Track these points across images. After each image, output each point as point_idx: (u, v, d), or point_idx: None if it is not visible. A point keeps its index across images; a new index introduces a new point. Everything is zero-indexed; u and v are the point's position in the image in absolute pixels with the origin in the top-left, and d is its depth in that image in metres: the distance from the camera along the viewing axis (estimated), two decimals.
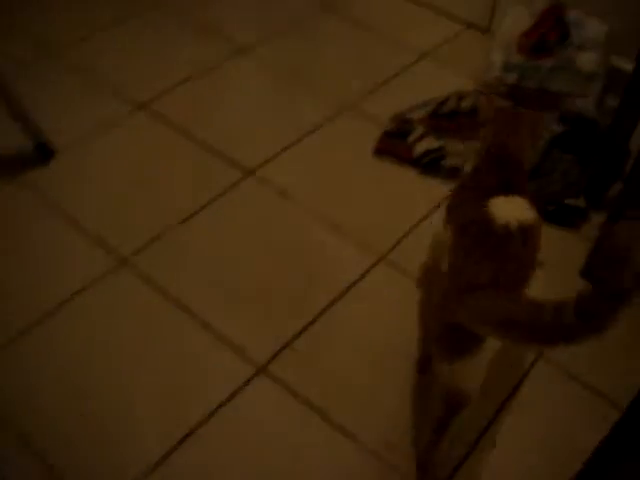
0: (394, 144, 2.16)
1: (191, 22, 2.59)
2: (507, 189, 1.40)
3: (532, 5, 2.36)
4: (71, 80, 2.32)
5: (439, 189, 2.05)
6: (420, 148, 2.12)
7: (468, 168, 1.56)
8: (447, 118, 2.23)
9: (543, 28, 2.27)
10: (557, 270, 1.90)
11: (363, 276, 1.82)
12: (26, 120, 2.00)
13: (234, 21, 2.61)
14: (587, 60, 2.23)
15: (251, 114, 2.25)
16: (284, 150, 2.13)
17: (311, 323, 1.70)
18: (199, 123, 2.19)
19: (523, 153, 1.51)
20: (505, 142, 1.48)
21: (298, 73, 2.41)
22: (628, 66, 1.92)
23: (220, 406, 1.54)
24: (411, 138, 2.15)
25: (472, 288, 1.25)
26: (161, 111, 2.22)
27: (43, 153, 2.04)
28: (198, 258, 1.83)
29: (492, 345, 1.27)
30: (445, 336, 1.29)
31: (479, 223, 1.33)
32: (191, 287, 1.76)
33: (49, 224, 1.88)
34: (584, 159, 2.10)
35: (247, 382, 1.58)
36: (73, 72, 2.35)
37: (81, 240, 1.84)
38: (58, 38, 2.47)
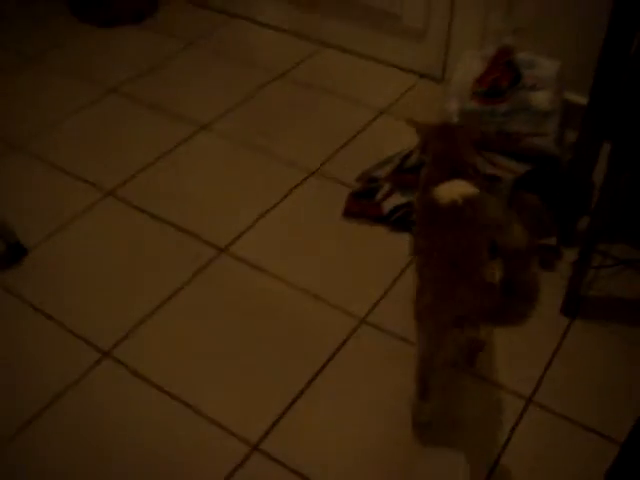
0: (362, 204, 2.17)
1: (146, 104, 2.62)
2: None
3: (482, 51, 2.40)
4: (35, 173, 2.33)
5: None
6: (388, 205, 2.14)
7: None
8: (412, 172, 2.25)
9: (495, 73, 2.30)
10: (535, 309, 1.92)
11: (344, 342, 1.82)
12: None
13: (189, 100, 2.64)
14: (541, 99, 2.27)
15: (217, 190, 2.27)
16: (255, 222, 2.14)
17: (298, 397, 1.70)
18: (166, 204, 2.21)
19: (463, 155, 1.79)
20: (447, 149, 1.77)
21: (259, 143, 2.43)
22: (583, 100, 1.95)
23: None
24: (379, 196, 2.17)
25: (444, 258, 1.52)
26: (127, 196, 2.23)
27: (15, 252, 2.05)
28: (178, 340, 1.83)
29: None
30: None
31: (429, 206, 1.67)
32: (174, 371, 1.75)
33: (25, 322, 1.87)
34: (550, 197, 2.12)
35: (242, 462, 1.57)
36: (36, 165, 2.36)
37: (60, 336, 1.83)
38: (16, 133, 2.49)
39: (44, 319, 1.88)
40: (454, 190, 1.64)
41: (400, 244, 2.07)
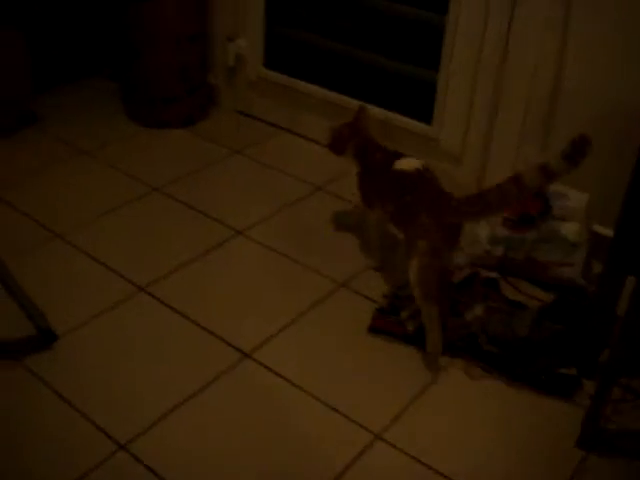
0: (388, 321, 2.21)
1: (186, 205, 2.72)
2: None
3: None
4: (73, 262, 2.42)
5: None
6: (413, 324, 2.17)
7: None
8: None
9: (525, 202, 2.37)
10: (551, 439, 1.91)
11: (357, 457, 1.83)
12: (29, 307, 2.09)
13: (228, 205, 2.74)
14: (570, 230, 2.32)
15: (247, 294, 2.33)
16: (281, 330, 2.19)
17: None
18: (196, 304, 2.26)
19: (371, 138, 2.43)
20: (362, 138, 2.42)
21: (292, 253, 2.50)
22: (610, 233, 1.99)
23: None
24: (403, 315, 2.21)
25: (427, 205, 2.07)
26: (159, 293, 2.30)
27: (46, 337, 2.10)
28: (195, 438, 1.85)
29: None
30: None
31: (398, 177, 2.22)
32: (190, 467, 1.77)
33: (47, 407, 1.91)
34: (574, 327, 2.14)
35: None
36: (75, 254, 2.45)
37: (80, 425, 1.87)
38: (60, 222, 2.59)
39: (67, 406, 1.91)
40: (411, 163, 2.23)
41: (422, 363, 2.10)
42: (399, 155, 2.30)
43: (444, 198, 2.08)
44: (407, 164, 2.23)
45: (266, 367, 2.06)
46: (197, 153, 3.07)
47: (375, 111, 2.86)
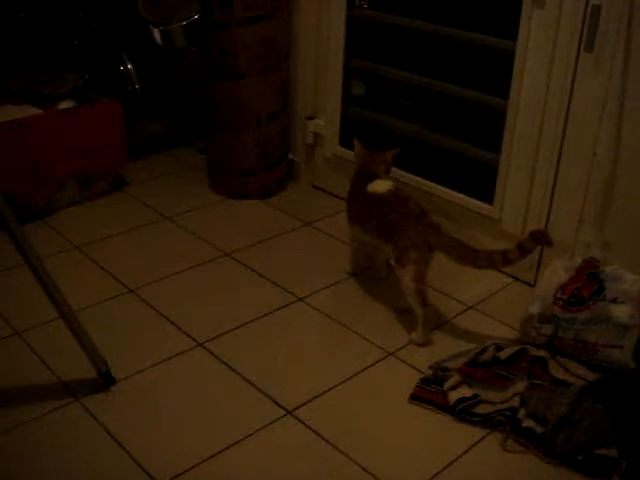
0: (429, 391, 2.25)
1: (253, 270, 2.86)
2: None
3: (571, 261, 2.50)
4: (139, 315, 2.58)
5: (471, 435, 2.12)
6: (454, 395, 2.20)
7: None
8: (483, 367, 2.32)
9: (578, 282, 2.39)
10: None
11: None
12: (92, 351, 2.22)
13: (293, 273, 2.86)
14: (622, 312, 2.31)
15: (299, 356, 2.42)
16: (325, 392, 2.26)
17: None
18: (250, 362, 2.36)
19: (377, 174, 2.69)
20: (366, 167, 2.72)
21: (346, 320, 2.58)
22: None
23: None
24: (446, 385, 2.24)
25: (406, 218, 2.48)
26: (216, 350, 2.41)
27: (105, 380, 2.24)
28: None
29: None
30: None
31: (368, 197, 2.60)
32: None
33: (98, 447, 2.03)
34: (615, 408, 2.13)
35: None
36: (142, 308, 2.61)
37: (128, 467, 1.97)
38: (135, 278, 2.76)
39: (117, 447, 2.03)
40: (382, 185, 2.60)
41: (460, 435, 2.12)
42: (372, 177, 2.65)
43: (426, 216, 2.50)
44: (379, 186, 2.60)
45: (305, 424, 2.13)
46: (270, 223, 3.21)
47: (438, 189, 2.97)
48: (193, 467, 1.98)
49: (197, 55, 3.38)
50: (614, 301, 2.34)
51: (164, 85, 3.73)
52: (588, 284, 2.38)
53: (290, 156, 3.53)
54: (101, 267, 2.83)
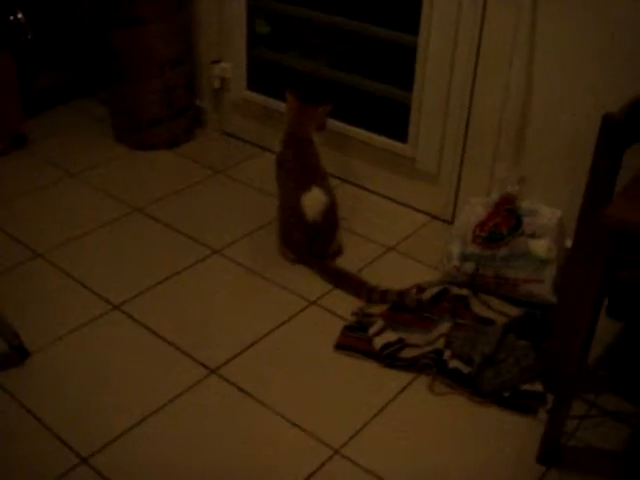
0: (354, 338, 2.22)
1: (166, 225, 2.76)
2: (301, 157, 2.57)
3: (487, 198, 2.49)
4: (49, 280, 2.46)
5: (398, 380, 2.11)
6: (379, 341, 2.18)
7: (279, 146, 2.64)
8: (406, 311, 2.31)
9: (496, 219, 2.39)
10: (514, 455, 1.91)
11: (317, 471, 1.84)
12: (1, 324, 2.12)
13: (207, 225, 2.78)
14: (540, 246, 2.33)
15: (218, 313, 2.36)
16: (250, 346, 2.21)
17: None
18: (168, 322, 2.29)
19: (308, 132, 2.59)
20: (296, 127, 2.61)
21: (266, 272, 2.53)
22: None
23: None
24: (371, 331, 2.22)
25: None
26: (133, 311, 2.33)
27: (18, 354, 2.14)
28: (159, 457, 1.87)
29: None
30: None
31: (298, 215, 2.50)
32: None
33: (15, 422, 1.95)
34: (539, 343, 2.15)
35: None
36: (52, 273, 2.49)
37: (45, 439, 1.90)
38: (41, 242, 2.64)
39: (33, 420, 1.95)
40: (315, 201, 2.51)
41: (387, 380, 2.11)
42: (303, 156, 2.59)
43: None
44: (311, 201, 2.52)
45: (231, 383, 2.09)
46: (180, 174, 3.11)
47: (353, 130, 2.91)
48: (118, 437, 1.91)
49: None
50: (532, 236, 2.35)
51: (59, 34, 3.52)
52: (506, 220, 2.37)
53: (197, 102, 3.40)
54: (4, 231, 2.68)
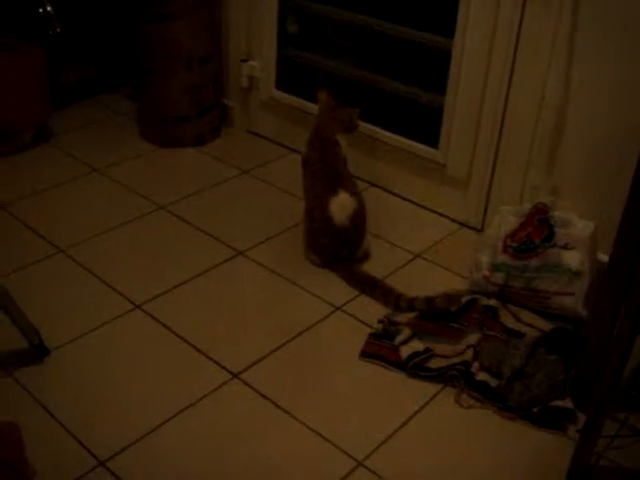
0: (380, 347, 2.18)
1: (190, 224, 2.72)
2: (327, 159, 2.52)
3: (519, 207, 2.44)
4: (71, 277, 2.43)
5: (424, 391, 2.06)
6: (406, 350, 2.13)
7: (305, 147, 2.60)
8: (433, 320, 2.26)
9: (528, 229, 2.33)
10: (542, 473, 1.86)
11: None
12: (22, 322, 2.09)
13: (232, 225, 2.74)
14: (572, 258, 2.27)
15: (242, 316, 2.32)
16: (272, 352, 2.17)
17: None
18: (189, 323, 2.25)
19: (335, 134, 2.54)
20: (322, 127, 2.57)
21: (290, 275, 2.48)
22: None
23: None
24: (397, 340, 2.17)
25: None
26: (155, 312, 2.29)
27: (38, 352, 2.11)
28: (179, 461, 1.83)
29: None
30: None
31: (326, 220, 2.46)
32: None
33: (33, 421, 1.91)
34: (570, 358, 2.09)
35: None
36: (75, 269, 2.46)
37: (63, 439, 1.87)
38: (64, 237, 2.60)
39: (51, 419, 1.92)
40: (343, 207, 2.47)
41: (413, 391, 2.06)
42: (328, 159, 2.54)
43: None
44: (339, 206, 2.48)
45: (252, 387, 2.04)
46: (205, 172, 3.07)
47: (382, 133, 2.87)
48: (137, 440, 1.87)
49: None
50: (565, 247, 2.29)
51: (88, 28, 3.50)
52: (538, 230, 2.32)
53: (224, 101, 3.36)
54: (28, 227, 2.66)
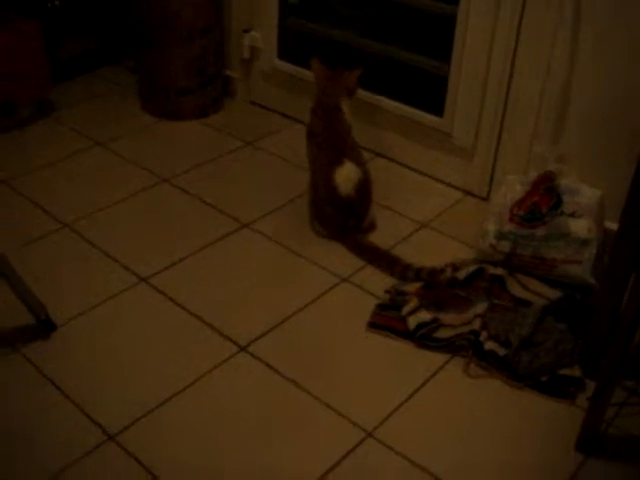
0: (388, 317, 2.17)
1: (194, 197, 2.71)
2: (332, 128, 2.48)
3: (526, 175, 2.42)
4: (76, 251, 2.43)
5: (433, 361, 2.06)
6: (414, 320, 2.13)
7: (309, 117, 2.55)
8: (441, 290, 2.25)
9: (535, 197, 2.31)
10: (551, 441, 1.86)
11: (349, 453, 1.79)
12: (29, 297, 2.08)
13: (237, 197, 2.73)
14: (580, 226, 2.25)
15: (248, 288, 2.30)
16: (279, 324, 2.16)
17: None
18: (198, 296, 2.25)
19: (338, 100, 2.49)
20: (325, 95, 2.51)
21: (295, 246, 2.47)
22: None
23: None
24: (404, 310, 2.16)
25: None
26: (161, 285, 2.29)
27: (45, 327, 2.10)
28: (189, 434, 1.83)
29: None
30: None
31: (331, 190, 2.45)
32: (178, 466, 1.75)
33: (41, 396, 1.91)
34: (578, 327, 2.08)
35: None
36: (79, 243, 2.45)
37: (72, 414, 1.87)
38: (68, 212, 2.59)
39: (60, 394, 1.92)
40: (348, 176, 2.45)
41: (421, 361, 2.06)
42: (334, 116, 2.50)
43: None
44: (344, 177, 2.45)
45: (260, 360, 2.04)
46: (208, 145, 3.05)
47: (387, 102, 2.84)
48: (147, 414, 1.87)
49: None
50: (572, 215, 2.27)
51: (87, 0, 3.45)
52: (545, 198, 2.30)
53: (226, 72, 3.33)
54: (32, 201, 2.64)
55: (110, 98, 3.37)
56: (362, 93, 2.74)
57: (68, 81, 3.41)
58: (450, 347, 2.07)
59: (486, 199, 2.68)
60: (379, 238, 2.50)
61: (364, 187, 2.46)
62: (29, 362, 2.01)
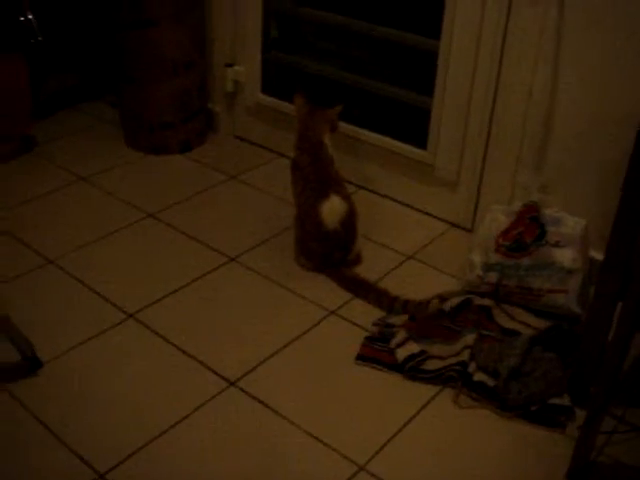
0: (376, 350, 2.17)
1: (179, 231, 2.71)
2: (317, 162, 2.51)
3: (510, 206, 2.44)
4: (63, 288, 2.41)
5: (422, 393, 2.05)
6: (402, 353, 2.13)
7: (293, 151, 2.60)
8: (429, 321, 2.25)
9: (520, 227, 2.34)
10: (542, 471, 1.86)
11: None
12: (15, 336, 2.07)
13: (222, 231, 2.72)
14: (564, 256, 2.27)
15: (236, 322, 2.30)
16: (268, 357, 2.16)
17: None
18: (186, 332, 2.24)
19: (321, 136, 2.54)
20: (308, 130, 2.55)
21: (284, 281, 2.47)
22: None
23: None
24: (393, 343, 2.17)
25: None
26: (148, 320, 2.28)
27: (31, 364, 2.08)
28: (178, 473, 1.82)
29: None
30: None
31: (317, 224, 2.45)
32: None
33: (27, 434, 1.89)
34: (566, 356, 2.10)
35: None
36: (66, 280, 2.44)
37: (59, 452, 1.84)
38: (53, 248, 2.58)
39: (47, 433, 1.89)
40: (335, 212, 2.46)
41: (411, 393, 2.06)
42: (319, 161, 2.53)
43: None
44: (331, 211, 2.47)
45: (251, 395, 2.03)
46: (193, 179, 3.06)
47: (370, 135, 2.86)
48: (136, 451, 1.86)
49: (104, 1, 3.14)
50: (556, 245, 2.29)
51: (68, 36, 3.46)
52: (530, 229, 2.32)
53: (209, 106, 3.35)
54: (16, 238, 2.63)
55: (93, 133, 3.37)
56: (345, 126, 2.77)
57: (51, 117, 3.41)
58: (439, 379, 2.08)
59: (471, 230, 2.70)
60: (365, 271, 2.51)
61: (350, 220, 2.48)
62: (16, 400, 1.99)
